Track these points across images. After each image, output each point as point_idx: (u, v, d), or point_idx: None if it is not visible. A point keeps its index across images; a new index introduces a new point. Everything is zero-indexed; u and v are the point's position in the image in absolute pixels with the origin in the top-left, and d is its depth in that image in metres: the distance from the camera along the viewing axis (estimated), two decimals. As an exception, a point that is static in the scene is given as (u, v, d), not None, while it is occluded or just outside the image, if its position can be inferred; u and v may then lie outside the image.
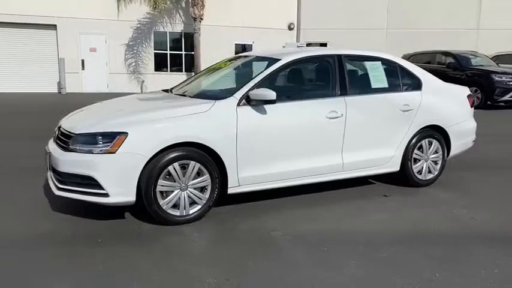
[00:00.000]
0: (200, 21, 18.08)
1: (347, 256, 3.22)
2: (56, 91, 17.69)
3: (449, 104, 5.09)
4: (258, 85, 4.01)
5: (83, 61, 17.93)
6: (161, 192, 3.63)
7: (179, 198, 3.72)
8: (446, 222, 3.95)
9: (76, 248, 3.29)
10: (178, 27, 19.06)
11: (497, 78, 13.12)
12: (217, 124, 3.80)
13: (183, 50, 19.36)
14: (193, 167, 3.71)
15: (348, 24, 19.72)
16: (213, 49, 18.76)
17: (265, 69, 4.16)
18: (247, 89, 3.97)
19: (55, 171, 3.75)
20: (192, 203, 3.79)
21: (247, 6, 19.34)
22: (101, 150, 3.51)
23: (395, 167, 4.79)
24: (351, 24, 19.70)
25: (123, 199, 3.56)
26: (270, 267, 3.02)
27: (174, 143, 3.61)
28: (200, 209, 3.81)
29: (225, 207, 4.15)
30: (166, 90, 5.00)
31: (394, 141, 4.72)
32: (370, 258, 3.20)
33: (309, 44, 20.11)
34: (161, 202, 3.64)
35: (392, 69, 4.85)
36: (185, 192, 3.73)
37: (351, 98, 4.43)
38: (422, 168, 4.96)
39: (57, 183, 3.74)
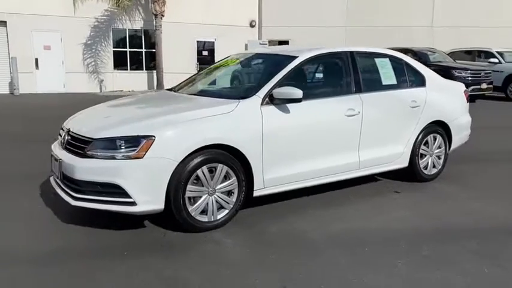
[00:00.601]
0: (161, 18, 17.60)
1: (391, 256, 3.18)
2: (8, 92, 16.63)
3: (450, 100, 5.21)
4: (279, 83, 3.89)
5: (36, 60, 16.97)
6: (189, 198, 3.44)
7: (207, 203, 3.54)
8: (466, 216, 4.01)
9: (101, 262, 3.04)
10: (138, 24, 18.47)
11: (457, 74, 13.68)
12: (243, 125, 3.65)
13: (143, 47, 18.80)
14: (221, 170, 3.54)
15: (309, 21, 19.90)
16: (174, 46, 18.38)
17: (283, 66, 4.05)
18: (269, 88, 3.84)
19: (70, 180, 3.46)
20: (220, 207, 3.62)
21: (208, 3, 19.07)
22: (125, 156, 3.27)
23: (404, 163, 4.83)
24: (312, 21, 19.89)
25: (152, 207, 3.33)
26: (320, 271, 2.92)
27: (204, 145, 3.42)
28: (228, 213, 3.65)
29: (247, 210, 4.00)
30: (170, 90, 4.77)
31: (404, 138, 4.75)
32: (415, 257, 3.17)
33: (269, 42, 20.16)
34: (190, 208, 3.45)
35: (399, 66, 4.88)
36: (213, 196, 3.56)
37: (365, 95, 4.41)
38: (428, 163, 5.03)
39: (72, 193, 3.44)
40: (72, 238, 3.42)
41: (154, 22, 17.64)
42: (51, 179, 4.06)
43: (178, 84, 4.91)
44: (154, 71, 18.41)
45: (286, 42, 20.19)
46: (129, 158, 3.26)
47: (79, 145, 3.47)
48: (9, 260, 3.05)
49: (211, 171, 3.51)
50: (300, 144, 3.96)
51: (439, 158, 5.14)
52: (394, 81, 4.76)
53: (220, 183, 3.57)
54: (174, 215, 3.42)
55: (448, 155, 5.26)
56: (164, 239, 3.43)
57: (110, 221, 3.71)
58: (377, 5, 20.10)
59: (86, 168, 3.32)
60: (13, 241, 3.37)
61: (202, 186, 3.49)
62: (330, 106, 4.15)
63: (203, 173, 3.46)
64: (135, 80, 18.40)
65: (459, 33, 19.59)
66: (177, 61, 18.66)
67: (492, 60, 15.21)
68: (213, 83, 4.77)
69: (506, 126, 9.48)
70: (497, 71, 14.83)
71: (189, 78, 5.03)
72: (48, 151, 3.98)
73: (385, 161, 4.65)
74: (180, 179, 3.35)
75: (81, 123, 3.75)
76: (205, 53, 19.78)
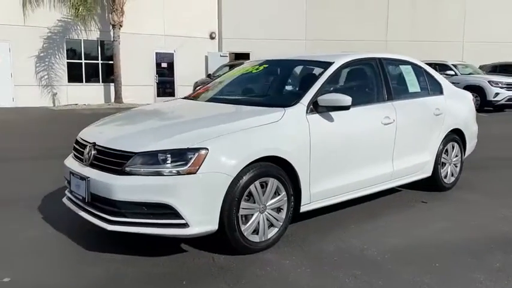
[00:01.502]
0: (119, 29, 16.91)
1: (467, 270, 2.99)
2: (-51, 106, 15.23)
3: (463, 108, 5.20)
4: (320, 90, 3.65)
5: (-19, 72, 15.68)
6: (242, 216, 3.09)
7: (258, 222, 3.20)
8: (505, 223, 3.93)
9: (163, 294, 2.62)
10: (94, 35, 17.62)
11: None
12: (291, 134, 3.36)
13: (100, 59, 17.94)
14: (273, 185, 3.22)
15: (269, 34, 19.94)
16: (133, 58, 17.72)
17: (321, 72, 3.81)
18: (312, 95, 3.58)
19: (103, 201, 3.00)
20: (270, 225, 3.29)
21: (168, 14, 18.60)
22: (175, 171, 2.87)
23: (429, 172, 4.72)
24: (272, 34, 19.94)
25: (205, 228, 2.94)
26: (408, 292, 2.67)
27: (259, 157, 3.09)
28: (278, 231, 3.32)
29: (290, 226, 3.67)
30: (187, 98, 4.39)
31: (430, 147, 4.65)
32: (490, 269, 3.00)
33: (231, 54, 19.97)
34: (243, 228, 3.09)
35: (420, 74, 4.80)
36: (264, 214, 3.22)
37: (396, 102, 4.26)
38: (447, 172, 4.96)
39: (108, 216, 2.98)
40: (110, 268, 2.95)
41: (112, 33, 16.90)
42: (66, 200, 3.55)
43: (193, 93, 4.53)
44: (112, 84, 17.61)
45: (246, 55, 20.06)
46: (179, 173, 2.86)
47: (114, 161, 3.02)
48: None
49: (262, 186, 3.18)
50: (344, 154, 3.73)
51: (456, 166, 5.10)
52: (418, 89, 4.67)
53: (271, 199, 3.25)
54: (226, 236, 3.04)
55: (463, 163, 5.23)
56: (215, 264, 3.04)
57: (140, 246, 3.27)
58: (335, 18, 20.51)
59: (127, 187, 2.88)
60: (39, 278, 2.85)
61: (254, 203, 3.15)
62: (369, 114, 3.96)
63: (256, 188, 3.12)
64: (91, 93, 17.48)
65: (414, 46, 20.38)
66: (136, 73, 17.99)
67: (448, 72, 15.86)
68: (239, 91, 4.42)
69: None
70: (454, 83, 15.47)
71: (203, 86, 4.66)
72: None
73: (414, 171, 4.52)
74: (235, 195, 2.99)
75: (111, 136, 3.29)
76: (164, 65, 19.25)
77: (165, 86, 19.35)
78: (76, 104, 16.92)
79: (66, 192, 3.62)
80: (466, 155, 5.32)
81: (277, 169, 3.24)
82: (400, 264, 3.07)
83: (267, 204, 3.23)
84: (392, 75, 4.40)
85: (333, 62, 3.93)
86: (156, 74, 18.93)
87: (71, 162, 3.46)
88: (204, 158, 2.90)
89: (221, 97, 4.23)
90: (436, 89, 4.94)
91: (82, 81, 17.61)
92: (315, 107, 3.55)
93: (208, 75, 16.47)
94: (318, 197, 3.58)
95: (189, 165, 2.87)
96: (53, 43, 16.75)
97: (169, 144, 2.95)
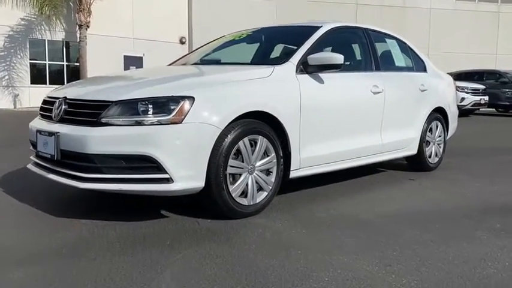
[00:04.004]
0: (86, 29, 16.42)
1: (467, 230, 2.83)
2: None
3: (446, 88, 5.15)
4: (310, 51, 3.46)
5: None
6: (230, 174, 2.83)
7: (247, 183, 2.94)
8: (496, 195, 3.83)
9: (147, 252, 2.31)
10: (59, 35, 17.04)
11: None
12: (281, 92, 3.15)
13: (65, 60, 17.33)
14: (262, 144, 2.98)
15: (240, 39, 19.83)
16: (100, 60, 17.20)
17: (309, 35, 3.63)
18: (301, 54, 3.39)
19: (76, 157, 2.68)
20: (259, 189, 3.04)
21: (137, 17, 18.23)
22: (159, 121, 2.59)
23: (414, 149, 4.59)
24: (243, 39, 19.85)
25: (192, 184, 2.66)
26: (412, 249, 2.47)
27: (248, 111, 2.86)
28: (267, 195, 3.07)
29: (276, 197, 3.43)
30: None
31: (416, 123, 4.54)
32: (491, 228, 2.85)
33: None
34: (231, 188, 2.83)
35: (405, 49, 4.72)
36: (252, 175, 2.97)
37: (384, 73, 4.14)
38: (431, 151, 4.86)
39: (80, 174, 2.66)
40: (83, 231, 2.62)
41: (79, 33, 16.40)
42: (31, 166, 3.20)
43: (177, 60, 4.27)
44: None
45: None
46: (163, 123, 2.59)
47: (88, 112, 2.72)
48: (11, 263, 2.21)
49: (251, 144, 2.94)
50: (334, 120, 3.54)
51: (439, 146, 5.00)
52: (403, 64, 4.59)
53: (260, 159, 3.01)
54: (212, 196, 2.77)
55: (446, 143, 5.15)
56: (200, 227, 2.75)
57: (116, 212, 2.97)
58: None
59: (103, 138, 2.58)
60: (5, 242, 2.50)
61: (243, 162, 2.90)
62: (359, 81, 3.82)
63: (244, 145, 2.87)
64: (55, 95, 16.76)
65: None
66: (103, 76, 17.42)
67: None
68: (225, 56, 4.17)
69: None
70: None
71: (187, 54, 4.41)
72: None
73: (401, 146, 4.38)
74: (222, 151, 2.74)
75: (85, 89, 2.98)
76: (132, 68, 18.75)
77: (133, 90, 18.85)
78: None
79: (32, 157, 3.27)
80: (448, 136, 5.25)
81: (267, 127, 3.01)
82: (399, 226, 2.88)
83: (256, 165, 2.98)
84: (378, 46, 4.27)
85: (321, 26, 3.76)
86: (124, 77, 18.45)
87: (38, 122, 3.13)
88: (190, 107, 2.63)
89: (206, 60, 3.98)
90: (420, 66, 4.86)
91: (46, 83, 16.92)
92: (304, 67, 3.36)
93: (179, 78, 16.16)
94: (307, 163, 3.37)
95: (173, 114, 2.60)
96: (15, 42, 16.07)
97: (151, 92, 2.68)
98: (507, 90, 16.52)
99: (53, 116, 2.92)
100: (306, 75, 3.35)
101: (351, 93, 3.70)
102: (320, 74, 3.43)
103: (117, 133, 2.59)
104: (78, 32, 16.36)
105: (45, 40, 16.75)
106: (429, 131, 4.78)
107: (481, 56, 22.10)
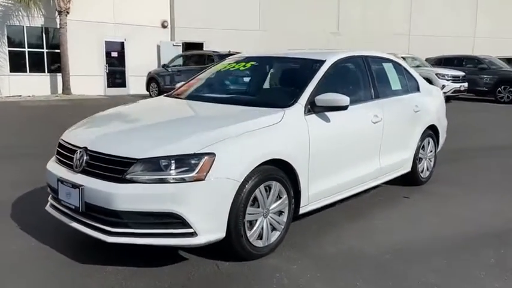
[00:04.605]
0: (66, 15, 16.02)
1: (466, 266, 3.08)
2: None
3: (437, 104, 5.36)
4: (316, 89, 3.60)
5: None
6: (247, 221, 3.00)
7: (262, 226, 3.12)
8: (486, 216, 4.10)
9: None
10: (38, 22, 16.59)
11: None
12: (292, 136, 3.30)
13: (45, 47, 16.93)
14: (276, 189, 3.15)
15: (223, 24, 19.66)
16: (81, 47, 16.91)
17: (314, 71, 3.76)
18: (308, 94, 3.53)
19: (102, 212, 2.80)
20: (272, 229, 3.22)
21: (118, 1, 17.82)
22: (182, 178, 2.72)
23: (408, 167, 4.82)
24: (226, 24, 19.69)
25: (214, 236, 2.83)
26: (420, 294, 2.71)
27: (264, 161, 3.00)
28: (280, 235, 3.26)
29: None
30: (169, 96, 4.20)
31: (410, 143, 4.76)
32: (487, 264, 3.11)
33: (187, 43, 19.51)
34: (249, 234, 3.00)
35: (400, 71, 4.88)
36: (267, 218, 3.15)
37: (382, 100, 4.31)
38: (424, 167, 5.11)
39: (107, 228, 2.79)
40: (110, 281, 2.77)
41: (58, 19, 16.01)
42: (50, 209, 3.30)
43: (176, 90, 4.34)
44: (59, 74, 16.70)
45: (200, 45, 19.71)
46: (186, 180, 2.72)
47: (112, 167, 2.82)
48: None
49: (266, 190, 3.10)
50: (339, 154, 3.72)
51: (430, 161, 5.25)
52: (399, 87, 4.75)
53: (274, 202, 3.18)
54: (232, 243, 2.93)
55: (436, 157, 5.40)
56: (221, 272, 2.93)
57: (136, 257, 3.10)
58: (289, 9, 20.57)
59: (130, 196, 2.70)
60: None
61: (259, 207, 3.06)
62: (361, 113, 3.97)
63: (260, 192, 3.04)
64: (36, 83, 16.49)
65: (364, 39, 20.88)
66: (84, 63, 17.17)
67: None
68: (229, 89, 4.27)
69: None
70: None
71: (187, 83, 4.47)
72: None
73: (397, 167, 4.60)
74: (241, 201, 2.89)
75: (105, 139, 3.06)
76: (114, 54, 18.49)
77: (116, 76, 18.62)
78: (20, 96, 15.92)
79: (50, 199, 3.36)
80: (438, 149, 5.50)
81: (279, 172, 3.16)
82: (403, 264, 3.11)
83: (270, 208, 3.15)
84: (377, 73, 4.43)
85: (325, 60, 3.89)
86: (106, 63, 18.16)
87: (57, 168, 3.20)
88: (212, 163, 2.77)
89: (211, 96, 4.07)
90: (414, 86, 5.05)
91: (26, 71, 16.56)
92: (312, 107, 3.50)
93: (163, 66, 16.01)
94: (315, 198, 3.55)
95: (196, 171, 2.73)
96: (-9, 29, 15.60)
97: (174, 149, 2.79)
98: (485, 76, 16.93)
99: (75, 166, 3.01)
100: (313, 115, 3.50)
101: (354, 127, 3.87)
102: (326, 113, 3.58)
103: (144, 191, 2.70)
104: (58, 18, 15.94)
105: (23, 26, 16.29)
106: (422, 148, 5.01)
107: (459, 39, 22.45)
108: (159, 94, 16.11)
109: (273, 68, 4.34)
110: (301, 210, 3.47)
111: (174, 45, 19.19)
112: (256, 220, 3.07)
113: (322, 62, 3.87)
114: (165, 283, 2.78)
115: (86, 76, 17.26)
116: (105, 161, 2.87)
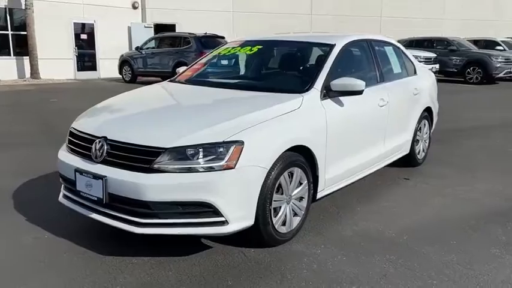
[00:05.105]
0: (32, -5, 15.29)
1: (483, 245, 3.19)
2: None
3: (431, 87, 5.47)
4: (330, 74, 3.60)
5: None
6: (273, 208, 3.00)
7: (285, 213, 3.13)
8: (486, 196, 4.26)
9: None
10: (1, 2, 15.76)
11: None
12: (312, 122, 3.31)
13: (10, 29, 16.16)
14: (297, 175, 3.16)
15: (196, 5, 19.29)
16: (48, 28, 16.27)
17: (326, 55, 3.75)
18: (323, 79, 3.53)
19: (128, 202, 2.73)
20: (294, 215, 3.23)
21: (86, -19, 17.15)
22: (212, 167, 2.68)
23: (407, 150, 4.92)
24: (199, 5, 19.33)
25: (244, 224, 2.82)
26: (450, 275, 2.79)
27: (288, 147, 3.00)
28: (301, 220, 3.28)
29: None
30: (177, 82, 4.11)
31: (410, 125, 4.85)
32: (502, 243, 3.24)
33: (157, 25, 19.04)
34: (274, 221, 3.01)
35: (399, 54, 4.94)
36: (289, 204, 3.16)
37: (387, 84, 4.36)
38: (420, 148, 5.23)
39: (136, 219, 2.73)
40: (140, 273, 2.72)
41: (24, 0, 15.24)
42: (64, 200, 3.20)
43: (180, 75, 4.23)
44: (26, 57, 16.01)
45: (172, 26, 19.31)
46: (217, 169, 2.68)
47: (138, 157, 2.74)
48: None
49: (288, 176, 3.10)
50: (351, 138, 3.76)
51: (425, 142, 5.38)
52: (400, 70, 4.82)
53: (295, 188, 3.19)
54: (259, 230, 2.93)
55: (430, 138, 5.54)
56: (248, 260, 2.93)
57: (158, 243, 3.06)
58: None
59: (160, 186, 2.64)
60: (64, 290, 2.55)
61: (282, 194, 3.07)
62: (370, 97, 3.99)
63: (285, 179, 3.04)
64: (2, 67, 15.74)
65: (337, 21, 20.97)
66: (53, 46, 16.54)
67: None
68: (240, 75, 4.20)
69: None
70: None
71: (190, 68, 4.36)
72: None
73: (399, 149, 4.69)
74: (268, 188, 2.89)
75: (126, 128, 2.96)
76: (84, 36, 17.87)
77: (86, 59, 18.02)
78: None
79: (64, 190, 3.25)
80: (432, 131, 5.64)
81: (300, 158, 3.17)
82: (422, 244, 3.19)
83: (292, 194, 3.17)
84: (380, 56, 4.47)
85: (335, 44, 3.88)
86: (76, 46, 17.53)
87: (72, 158, 3.08)
88: (241, 151, 2.74)
89: (221, 81, 4.00)
90: (411, 69, 5.13)
91: (-10, 54, 15.79)
92: (327, 91, 3.50)
93: (137, 48, 15.60)
94: (330, 182, 3.58)
95: (225, 159, 2.70)
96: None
97: (202, 138, 2.74)
98: (454, 57, 17.37)
99: (94, 156, 2.91)
100: (329, 99, 3.51)
101: (364, 111, 3.90)
102: (340, 97, 3.59)
103: (174, 181, 2.65)
104: (24, -2, 15.22)
105: (-15, 7, 15.48)
106: (419, 130, 5.12)
107: (429, 21, 22.91)
108: (133, 77, 15.78)
109: (281, 52, 4.30)
110: (318, 195, 3.50)
111: (145, 27, 18.72)
112: (280, 207, 3.07)
113: (332, 46, 3.86)
114: (195, 272, 2.76)
115: (55, 59, 16.63)
116: (130, 151, 2.78)
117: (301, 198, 3.27)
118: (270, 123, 2.98)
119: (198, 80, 4.07)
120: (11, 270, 2.77)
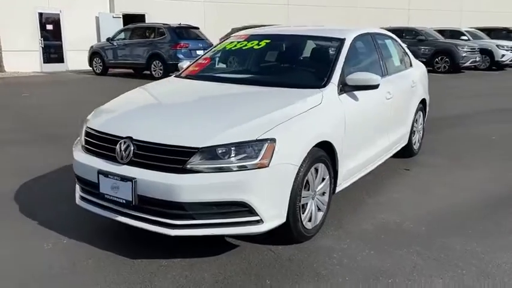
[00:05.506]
0: (-7, -16, 14.55)
1: (499, 233, 3.31)
2: None
3: (424, 78, 5.60)
4: (344, 68, 3.62)
5: None
6: (302, 205, 3.00)
7: (312, 208, 3.14)
8: (487, 185, 4.42)
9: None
10: (-40, -9, 14.92)
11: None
12: (332, 117, 3.32)
13: (-30, 20, 15.32)
14: (321, 170, 3.17)
15: (166, -6, 18.88)
16: (12, 19, 15.55)
17: (338, 50, 3.76)
18: (339, 74, 3.54)
19: (160, 204, 2.66)
20: (318, 210, 3.25)
21: (51, -31, 16.44)
22: (246, 166, 2.65)
23: (406, 141, 5.02)
24: (169, -6, 18.92)
25: (276, 222, 2.80)
26: (478, 265, 2.88)
27: (314, 144, 3.00)
28: (323, 215, 3.30)
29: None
30: (184, 77, 4.02)
31: (409, 117, 4.95)
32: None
33: (125, 16, 18.52)
34: (302, 217, 3.01)
35: (399, 47, 5.01)
36: (314, 200, 3.17)
37: (391, 77, 4.43)
38: (416, 139, 5.35)
39: (170, 221, 2.67)
40: (176, 276, 2.67)
41: (-16, -12, 14.49)
42: (83, 203, 3.09)
43: (185, 70, 4.14)
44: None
45: (141, 17, 18.83)
46: (251, 168, 2.65)
47: (169, 158, 2.67)
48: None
49: (314, 172, 3.11)
50: (365, 132, 3.80)
51: (420, 133, 5.51)
52: (399, 63, 4.89)
53: (319, 184, 3.20)
54: (289, 227, 2.92)
55: (424, 129, 5.68)
56: (279, 257, 2.92)
57: (184, 243, 3.01)
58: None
59: (195, 187, 2.59)
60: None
61: (309, 190, 3.07)
62: (378, 90, 4.02)
63: (312, 175, 3.04)
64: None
65: (311, 11, 21.07)
66: (17, 36, 15.83)
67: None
68: (252, 70, 4.14)
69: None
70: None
71: (195, 63, 4.27)
72: None
73: (400, 141, 4.78)
74: (298, 185, 2.88)
75: (154, 129, 2.87)
76: (50, 27, 17.16)
77: (52, 51, 17.34)
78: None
79: (81, 193, 3.13)
80: (425, 121, 5.78)
81: (323, 153, 3.17)
82: (441, 235, 3.28)
83: (317, 190, 3.18)
84: (383, 49, 4.52)
85: (344, 38, 3.89)
86: (41, 37, 16.83)
87: (92, 160, 2.96)
88: (273, 149, 2.72)
89: (235, 77, 3.94)
90: (408, 61, 5.22)
91: None
92: (343, 86, 3.52)
93: (108, 39, 15.14)
94: (346, 177, 3.62)
95: (259, 158, 2.67)
96: None
97: (234, 136, 2.70)
98: (423, 47, 17.81)
99: (120, 158, 2.81)
100: (345, 94, 3.53)
101: (375, 105, 3.95)
102: (354, 92, 3.61)
103: (208, 181, 2.60)
104: (-16, -13, 14.45)
105: None
106: (415, 122, 5.23)
107: (396, 11, 23.38)
108: (104, 69, 15.34)
109: (290, 47, 4.26)
110: (337, 189, 3.52)
111: (114, 17, 18.17)
112: (307, 203, 3.08)
113: (342, 40, 3.87)
114: (229, 272, 2.74)
115: (20, 51, 15.94)
116: (160, 151, 2.71)
117: (323, 193, 3.29)
118: (298, 120, 2.97)
119: (209, 76, 3.99)
120: (37, 279, 2.66)
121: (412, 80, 4.98)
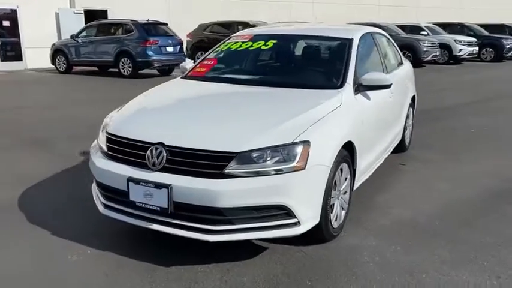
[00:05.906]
0: None
1: (504, 224, 3.49)
2: None
3: (412, 75, 5.77)
4: (356, 68, 3.68)
5: None
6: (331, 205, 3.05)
7: (337, 208, 3.19)
8: (493, 176, 4.63)
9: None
10: None
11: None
12: (352, 117, 3.38)
13: None
14: (345, 170, 3.23)
15: (128, -11, 18.37)
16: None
17: (348, 50, 3.82)
18: (353, 74, 3.60)
19: (197, 210, 2.63)
20: (341, 209, 3.31)
21: (6, -38, 15.61)
22: (284, 169, 2.65)
23: (400, 137, 5.16)
24: (131, -10, 18.42)
25: (312, 224, 2.83)
26: (498, 257, 3.03)
27: (343, 144, 3.04)
28: (345, 213, 3.37)
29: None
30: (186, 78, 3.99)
31: (403, 114, 5.10)
32: (520, 221, 3.58)
33: (86, 12, 17.90)
34: (331, 217, 3.06)
35: (392, 45, 5.14)
36: (339, 199, 3.22)
37: (390, 75, 4.52)
38: (407, 135, 5.52)
39: (209, 226, 2.64)
40: (215, 283, 2.64)
41: None
42: (109, 212, 3.00)
43: (191, 71, 4.08)
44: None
45: (103, 12, 18.26)
46: (289, 171, 2.66)
47: (206, 163, 2.64)
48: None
49: (340, 172, 3.16)
50: (375, 131, 3.89)
51: (410, 129, 5.69)
52: (395, 61, 5.02)
53: (343, 183, 3.25)
54: (320, 228, 2.96)
55: (413, 125, 5.86)
56: (310, 257, 2.96)
57: (213, 253, 2.99)
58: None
59: (235, 192, 2.57)
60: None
61: (335, 190, 3.12)
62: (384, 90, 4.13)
63: (338, 175, 3.09)
64: None
65: (283, 6, 21.12)
66: (-29, 34, 14.94)
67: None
68: (262, 71, 4.11)
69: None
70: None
71: (201, 64, 4.20)
72: None
73: (396, 138, 4.91)
74: (329, 186, 2.92)
75: (187, 134, 2.81)
76: (6, 23, 16.32)
77: (9, 48, 16.51)
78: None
79: (106, 201, 3.03)
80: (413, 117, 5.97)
81: (346, 153, 3.22)
82: (455, 228, 3.42)
83: (341, 189, 3.23)
84: (382, 48, 4.63)
85: (352, 38, 3.96)
86: (-3, 34, 16.01)
87: (119, 167, 2.86)
88: (308, 151, 2.74)
89: (251, 78, 3.91)
90: (400, 59, 5.37)
91: None
92: (358, 86, 3.59)
93: (72, 36, 14.58)
94: (359, 175, 3.68)
95: (296, 161, 2.69)
96: None
97: (270, 140, 2.70)
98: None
99: (151, 164, 2.74)
100: (359, 94, 3.59)
101: (382, 103, 4.04)
102: (367, 91, 3.69)
103: (246, 186, 2.59)
104: None
105: None
106: (407, 118, 5.40)
107: (365, 7, 23.91)
108: (68, 67, 14.82)
109: (299, 47, 4.27)
110: (354, 187, 3.59)
111: (74, 13, 17.52)
112: (334, 203, 3.13)
113: (350, 40, 3.93)
114: (267, 275, 2.74)
115: (-26, 49, 15.10)
116: (196, 157, 2.67)
117: (345, 192, 3.35)
118: (326, 121, 3.01)
119: (222, 77, 3.96)
120: (71, 293, 2.57)
121: (405, 76, 5.13)
